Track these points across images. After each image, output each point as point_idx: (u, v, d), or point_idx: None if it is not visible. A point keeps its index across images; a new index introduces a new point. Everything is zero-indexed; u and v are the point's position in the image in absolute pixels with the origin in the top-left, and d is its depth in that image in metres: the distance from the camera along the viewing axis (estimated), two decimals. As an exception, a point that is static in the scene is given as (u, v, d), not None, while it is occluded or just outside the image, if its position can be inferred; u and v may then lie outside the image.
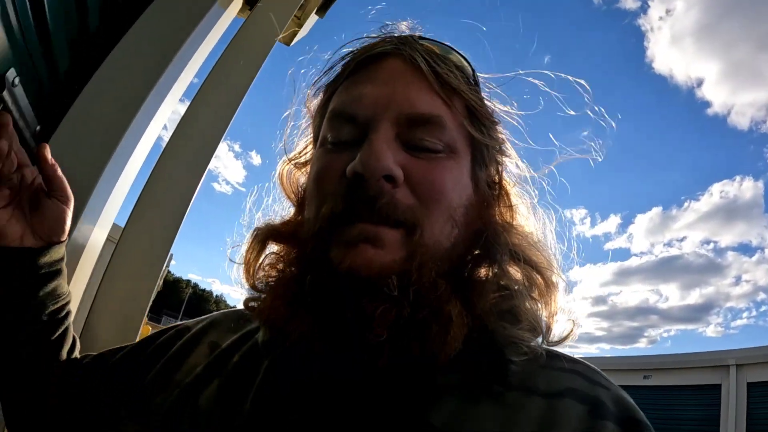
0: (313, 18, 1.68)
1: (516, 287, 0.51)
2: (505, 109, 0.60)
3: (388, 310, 0.44)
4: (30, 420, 0.68)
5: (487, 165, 0.57)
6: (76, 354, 0.76)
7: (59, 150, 1.07)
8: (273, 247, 0.59)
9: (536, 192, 0.61)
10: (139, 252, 1.19)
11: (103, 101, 1.15)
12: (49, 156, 0.67)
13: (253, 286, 0.58)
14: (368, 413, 0.45)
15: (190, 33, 1.32)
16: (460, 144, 0.53)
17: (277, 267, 0.56)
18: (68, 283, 1.13)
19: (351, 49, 0.59)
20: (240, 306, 0.63)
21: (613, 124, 0.61)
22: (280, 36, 1.55)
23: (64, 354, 0.71)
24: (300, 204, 0.62)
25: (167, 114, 1.37)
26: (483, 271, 0.53)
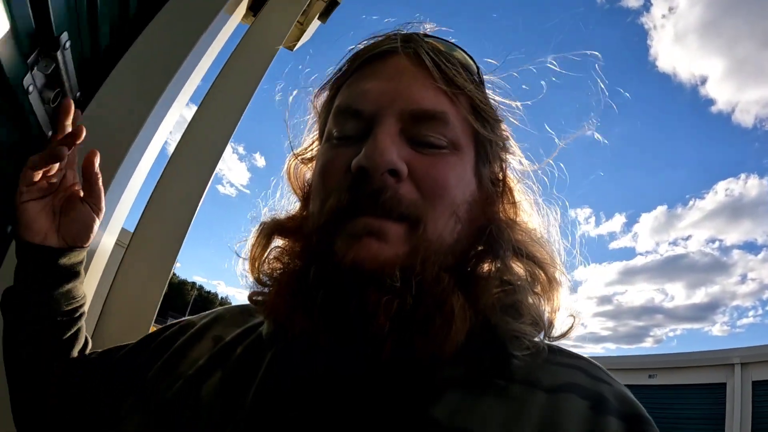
0: (315, 23, 1.71)
1: (519, 282, 0.52)
2: (509, 102, 0.61)
3: (391, 301, 0.44)
4: (34, 419, 0.69)
5: (490, 162, 0.58)
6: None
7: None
8: (278, 242, 0.60)
9: (540, 188, 0.61)
10: (148, 256, 1.22)
11: (114, 105, 1.19)
12: (97, 162, 0.69)
13: (257, 279, 0.59)
14: (370, 408, 0.45)
15: (197, 39, 1.35)
16: (464, 140, 0.53)
17: (282, 260, 0.56)
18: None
19: (357, 46, 0.60)
20: (245, 301, 0.63)
21: (614, 106, 0.61)
22: (284, 41, 1.58)
23: (74, 354, 0.71)
24: (306, 199, 0.63)
25: (174, 119, 1.39)
26: (486, 267, 0.53)
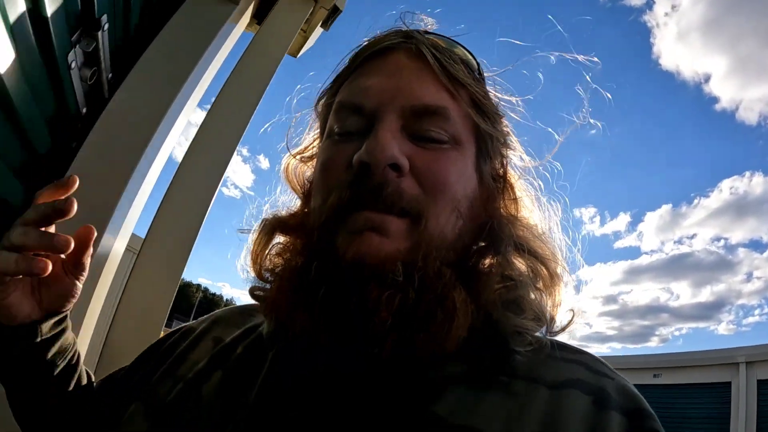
0: (318, 30, 1.75)
1: (520, 278, 0.52)
2: (509, 98, 0.61)
3: (393, 296, 0.44)
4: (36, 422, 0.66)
5: (491, 157, 0.58)
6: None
7: (84, 163, 1.16)
8: (280, 239, 0.60)
9: (541, 184, 0.62)
10: (159, 261, 1.25)
11: (128, 110, 1.24)
12: (93, 238, 0.60)
13: (259, 275, 0.58)
14: (372, 406, 0.44)
15: (205, 48, 1.40)
16: (465, 136, 0.54)
17: (283, 256, 0.56)
18: (93, 291, 1.20)
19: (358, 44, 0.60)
20: (250, 302, 0.62)
21: (607, 95, 0.63)
22: (288, 48, 1.61)
23: (79, 393, 0.67)
24: (306, 196, 0.63)
25: (183, 124, 1.44)
26: (487, 262, 0.53)
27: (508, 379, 0.46)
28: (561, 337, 0.54)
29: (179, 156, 1.42)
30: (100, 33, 1.02)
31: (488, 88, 0.61)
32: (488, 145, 0.57)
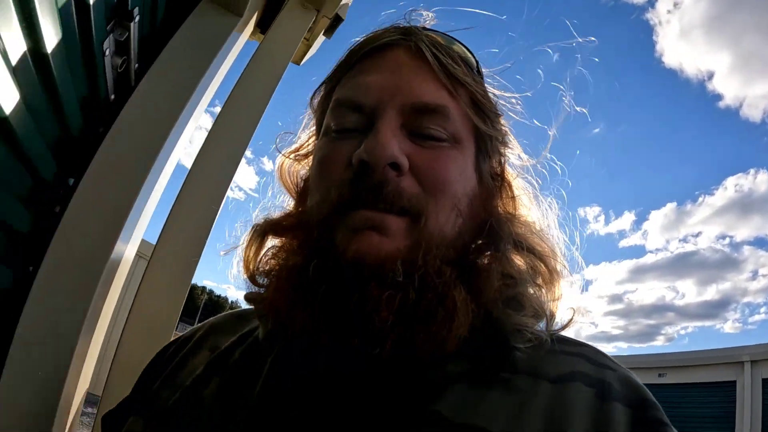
0: (321, 39, 1.79)
1: (520, 275, 0.52)
2: (508, 96, 0.61)
3: (393, 296, 0.43)
4: None
5: (490, 156, 0.58)
6: None
7: (108, 152, 1.22)
8: (273, 242, 0.59)
9: (539, 182, 0.61)
10: (170, 266, 1.29)
11: (151, 102, 1.31)
12: None
13: (252, 279, 0.58)
14: (373, 406, 0.44)
15: (213, 57, 1.45)
16: (465, 135, 0.53)
17: (280, 258, 0.55)
18: (106, 297, 1.25)
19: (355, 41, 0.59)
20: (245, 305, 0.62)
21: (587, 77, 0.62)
22: (292, 56, 1.66)
23: None
24: (301, 195, 0.63)
25: (191, 131, 1.49)
26: (487, 260, 0.53)
27: (510, 376, 0.46)
28: (565, 333, 0.54)
29: (187, 162, 1.48)
30: (132, 24, 1.10)
31: (487, 85, 0.60)
32: (487, 144, 0.57)
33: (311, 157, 0.63)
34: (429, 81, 0.52)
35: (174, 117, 1.32)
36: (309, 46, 1.77)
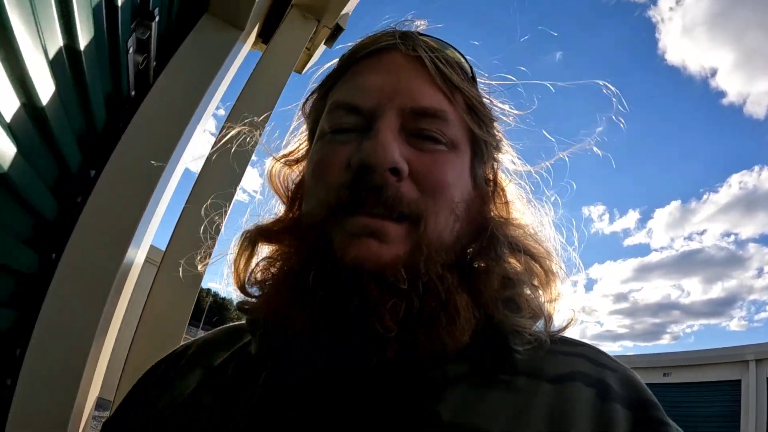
0: (322, 48, 1.84)
1: (516, 277, 0.52)
2: (504, 107, 0.61)
3: (398, 304, 0.43)
4: None
5: (485, 161, 0.58)
6: None
7: (127, 148, 1.28)
8: (264, 249, 0.58)
9: (532, 187, 0.62)
10: (179, 272, 1.34)
11: (159, 113, 1.37)
12: None
13: (242, 290, 0.57)
14: (373, 407, 0.44)
15: (219, 66, 1.50)
16: (462, 140, 0.53)
17: (274, 265, 0.55)
18: (117, 302, 1.29)
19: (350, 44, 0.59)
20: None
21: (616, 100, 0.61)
22: (294, 66, 1.70)
23: None
24: (292, 201, 0.62)
25: (198, 137, 1.54)
26: (484, 264, 0.53)
27: (510, 377, 0.46)
28: (568, 333, 0.54)
29: (192, 166, 1.54)
30: (153, 23, 1.18)
31: (480, 90, 0.60)
32: (482, 148, 0.57)
33: (303, 163, 0.64)
34: (427, 85, 0.52)
35: (186, 117, 1.39)
36: (310, 56, 1.82)
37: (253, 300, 0.56)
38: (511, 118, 0.62)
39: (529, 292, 0.52)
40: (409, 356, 0.45)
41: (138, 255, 1.33)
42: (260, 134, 0.73)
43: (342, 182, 0.48)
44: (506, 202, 0.60)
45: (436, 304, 0.45)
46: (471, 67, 0.60)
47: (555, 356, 0.49)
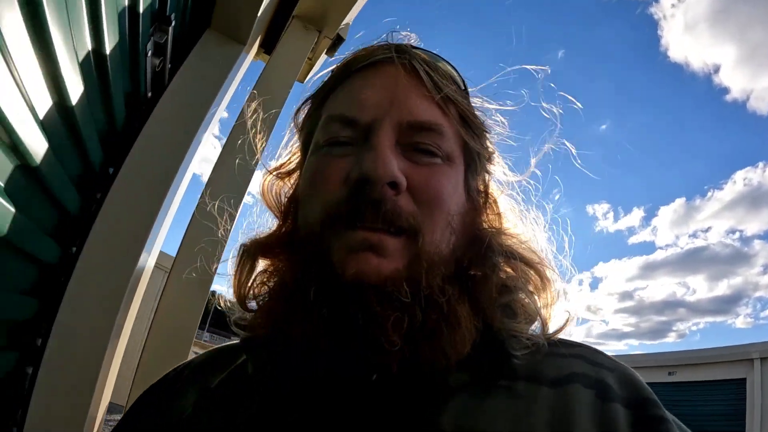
0: (323, 57, 1.89)
1: (513, 283, 0.53)
2: (495, 116, 0.62)
3: (401, 318, 0.43)
4: None
5: (478, 173, 0.58)
6: None
7: (135, 164, 1.33)
8: (261, 263, 0.58)
9: (524, 197, 0.62)
10: (189, 277, 1.38)
11: (174, 113, 1.43)
12: None
13: (242, 304, 0.57)
14: (375, 418, 0.44)
15: (225, 76, 1.55)
16: (456, 152, 0.54)
17: (271, 280, 0.55)
18: (129, 309, 1.33)
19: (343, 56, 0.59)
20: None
21: (557, 110, 0.61)
22: (297, 75, 1.75)
23: None
24: (284, 214, 0.61)
25: (206, 146, 1.59)
26: (480, 273, 0.53)
27: (509, 383, 0.47)
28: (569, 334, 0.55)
29: (196, 169, 1.60)
30: (170, 28, 1.26)
31: (473, 102, 0.61)
32: (476, 161, 0.57)
33: (295, 175, 0.64)
34: (423, 98, 0.52)
35: (196, 123, 1.45)
36: (312, 65, 1.87)
37: (249, 316, 0.56)
38: (503, 126, 0.62)
39: (525, 297, 0.53)
40: (412, 368, 0.45)
41: (151, 256, 1.37)
42: (266, 139, 0.72)
43: (340, 196, 0.48)
44: (498, 214, 0.61)
45: (438, 317, 0.45)
46: (463, 80, 0.61)
47: (553, 359, 0.49)
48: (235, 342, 0.60)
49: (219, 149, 1.62)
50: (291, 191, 0.63)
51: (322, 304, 0.44)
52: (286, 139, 0.67)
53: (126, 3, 1.10)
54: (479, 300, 0.49)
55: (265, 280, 0.56)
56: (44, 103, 0.88)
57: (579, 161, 0.64)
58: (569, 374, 0.47)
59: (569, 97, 0.62)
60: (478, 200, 0.59)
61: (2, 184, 0.81)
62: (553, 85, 0.62)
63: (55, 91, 0.91)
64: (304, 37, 1.76)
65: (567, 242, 0.61)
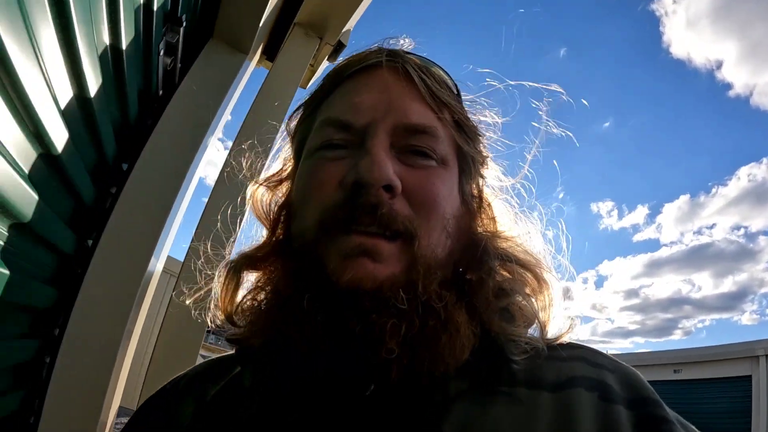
0: (325, 64, 1.92)
1: (510, 286, 0.52)
2: (490, 120, 0.61)
3: (398, 325, 0.43)
4: None
5: (472, 177, 0.58)
6: None
7: (154, 145, 1.39)
8: (250, 277, 0.57)
9: (518, 201, 0.62)
10: (198, 281, 1.42)
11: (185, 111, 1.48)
12: None
13: (231, 321, 0.56)
14: (375, 427, 0.44)
15: (230, 83, 1.59)
16: (450, 156, 0.53)
17: (263, 291, 0.54)
18: (138, 313, 1.36)
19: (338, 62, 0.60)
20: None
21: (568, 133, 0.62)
22: (300, 81, 1.79)
23: None
24: (274, 223, 0.60)
25: (213, 148, 1.63)
26: (477, 277, 0.52)
27: (510, 389, 0.46)
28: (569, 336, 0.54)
29: (201, 171, 1.63)
30: (181, 29, 1.31)
31: (465, 106, 0.61)
32: (470, 164, 0.57)
33: (286, 184, 0.63)
34: (417, 102, 0.52)
35: (203, 128, 1.50)
36: (314, 72, 1.90)
37: (241, 330, 0.55)
38: (496, 132, 0.62)
39: (522, 300, 0.53)
40: (411, 375, 0.44)
41: (159, 261, 1.41)
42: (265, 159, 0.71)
43: (336, 200, 0.48)
44: (492, 217, 0.61)
45: (435, 323, 0.45)
46: (455, 84, 0.61)
47: (553, 363, 0.49)
48: (230, 353, 0.60)
49: (222, 152, 1.67)
50: (282, 199, 0.62)
51: (317, 311, 0.44)
52: (276, 146, 0.67)
53: (141, 1, 1.14)
54: (476, 304, 0.49)
55: (255, 292, 0.55)
56: (66, 94, 0.92)
57: (578, 144, 0.63)
58: (570, 378, 0.47)
59: (569, 98, 0.62)
60: (472, 204, 0.58)
61: (27, 171, 0.84)
62: (552, 86, 0.62)
63: (76, 84, 0.95)
64: (305, 44, 1.79)
65: (565, 242, 0.61)
